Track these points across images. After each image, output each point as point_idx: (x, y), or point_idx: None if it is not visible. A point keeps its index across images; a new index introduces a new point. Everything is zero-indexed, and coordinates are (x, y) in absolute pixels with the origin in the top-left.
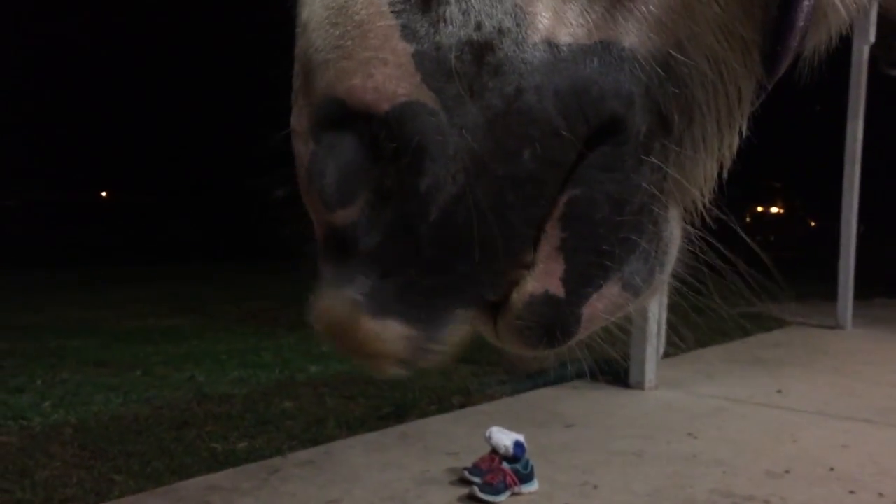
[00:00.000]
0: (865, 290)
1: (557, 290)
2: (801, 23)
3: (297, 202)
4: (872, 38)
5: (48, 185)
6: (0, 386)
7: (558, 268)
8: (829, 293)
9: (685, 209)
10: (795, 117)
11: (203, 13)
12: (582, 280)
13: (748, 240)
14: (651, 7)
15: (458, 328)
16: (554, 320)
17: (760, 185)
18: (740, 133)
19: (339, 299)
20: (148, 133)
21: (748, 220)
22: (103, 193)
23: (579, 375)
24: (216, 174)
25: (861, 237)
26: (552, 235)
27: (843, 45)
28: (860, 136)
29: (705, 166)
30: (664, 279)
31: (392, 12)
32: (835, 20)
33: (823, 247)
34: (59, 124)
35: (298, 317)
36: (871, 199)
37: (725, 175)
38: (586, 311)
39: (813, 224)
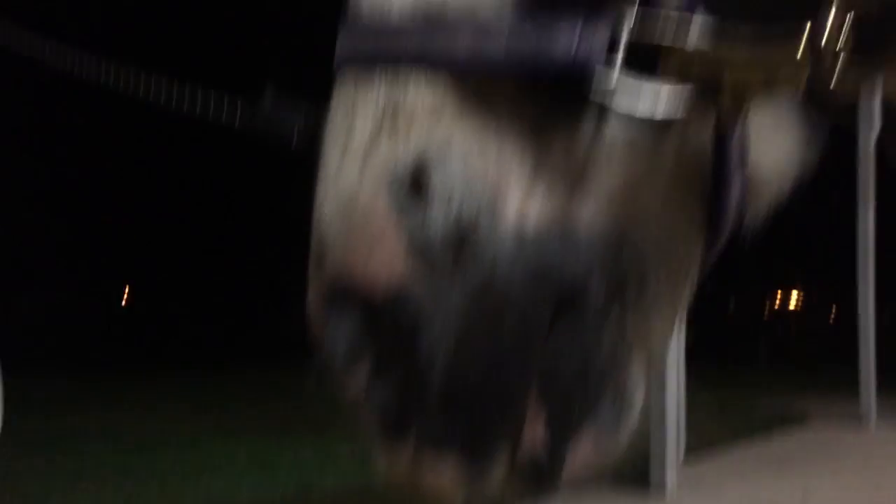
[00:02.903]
0: (893, 379)
1: (543, 433)
2: (733, 203)
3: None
4: (878, 127)
5: (66, 287)
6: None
7: (541, 414)
8: (853, 384)
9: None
10: (807, 206)
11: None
12: (562, 425)
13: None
14: (604, 189)
15: (504, 463)
16: (543, 463)
17: (777, 278)
18: (693, 285)
19: (398, 449)
20: (167, 234)
21: (765, 317)
22: (123, 297)
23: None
24: (234, 275)
25: (889, 321)
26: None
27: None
28: (871, 223)
29: (663, 317)
30: (633, 420)
31: (392, 210)
32: (769, 195)
33: (845, 336)
34: (75, 229)
35: (316, 421)
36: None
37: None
38: (569, 453)
39: (833, 312)
